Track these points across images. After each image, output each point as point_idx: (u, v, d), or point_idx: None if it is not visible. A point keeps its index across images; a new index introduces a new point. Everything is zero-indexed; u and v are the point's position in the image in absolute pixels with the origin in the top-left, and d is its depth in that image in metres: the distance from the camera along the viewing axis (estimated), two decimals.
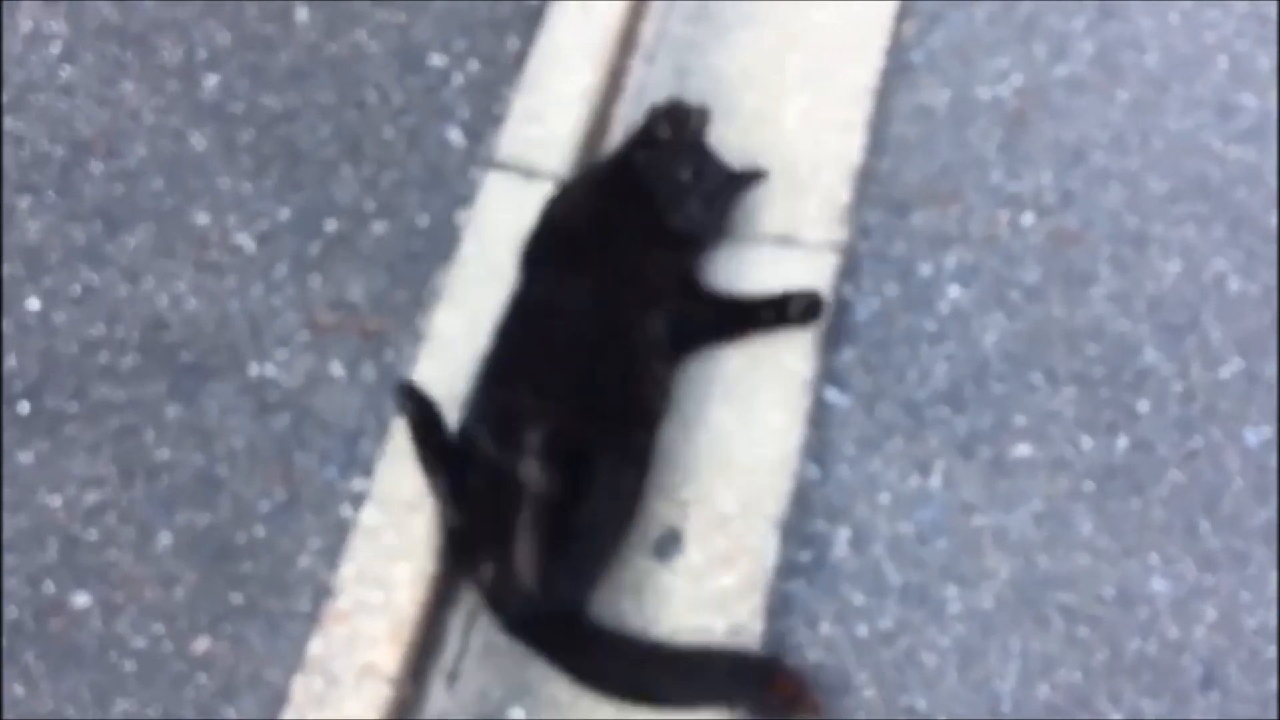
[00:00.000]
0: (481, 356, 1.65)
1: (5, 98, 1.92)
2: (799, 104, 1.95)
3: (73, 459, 1.66)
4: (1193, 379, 1.75)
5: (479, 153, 1.87)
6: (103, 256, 1.80)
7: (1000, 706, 1.56)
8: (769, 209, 1.81)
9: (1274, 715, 1.55)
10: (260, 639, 1.55)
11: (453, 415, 1.62)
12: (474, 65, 1.95)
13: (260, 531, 1.62)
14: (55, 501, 1.63)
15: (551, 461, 1.51)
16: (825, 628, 1.60)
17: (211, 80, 1.94)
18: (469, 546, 1.56)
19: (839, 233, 1.84)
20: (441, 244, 1.81)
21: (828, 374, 1.75)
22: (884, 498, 1.68)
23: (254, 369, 1.72)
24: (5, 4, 1.98)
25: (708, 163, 1.77)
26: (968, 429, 1.73)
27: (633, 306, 1.66)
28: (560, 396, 1.58)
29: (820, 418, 1.72)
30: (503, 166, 1.85)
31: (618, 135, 1.95)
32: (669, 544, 1.63)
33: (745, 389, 1.72)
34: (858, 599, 1.62)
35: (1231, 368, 1.76)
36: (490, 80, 1.93)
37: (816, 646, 1.58)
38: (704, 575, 1.61)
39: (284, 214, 1.83)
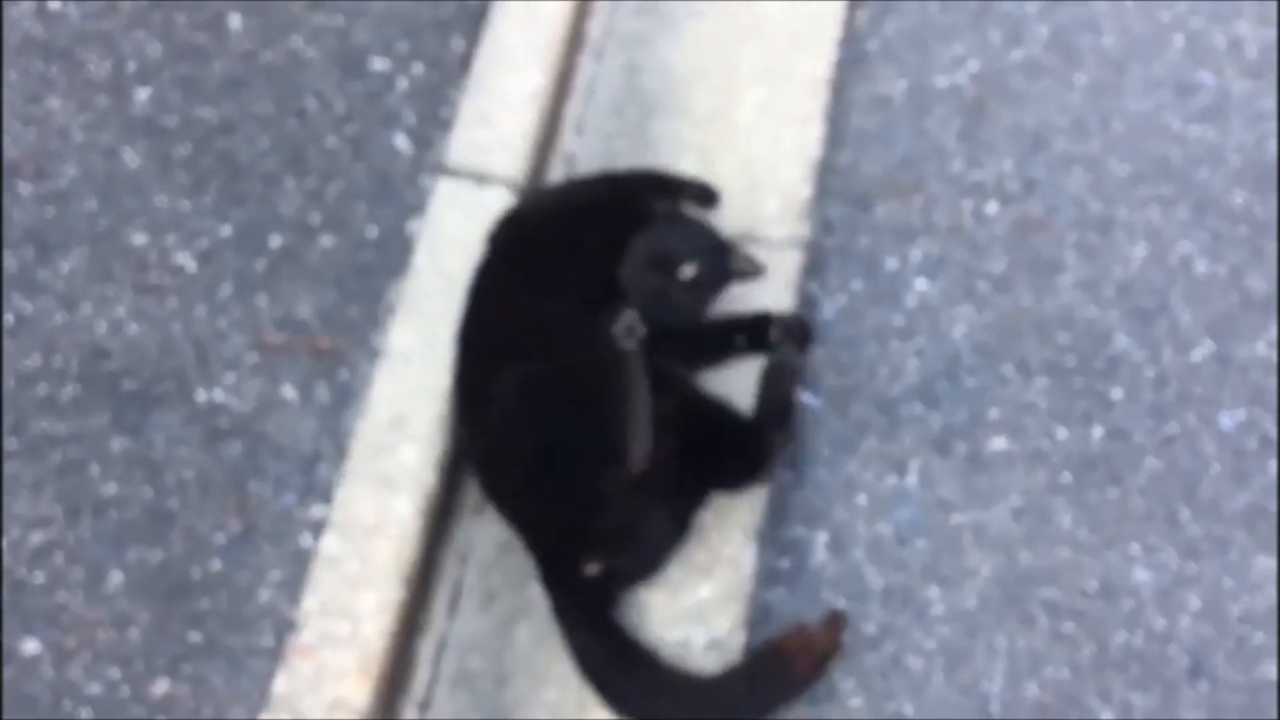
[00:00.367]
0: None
1: None
2: (754, 98, 1.91)
3: (14, 498, 1.58)
4: (1165, 364, 1.74)
5: (428, 159, 1.81)
6: (36, 283, 1.72)
7: (989, 708, 1.53)
8: (729, 207, 1.76)
9: (1263, 702, 1.53)
10: (222, 679, 1.49)
11: (420, 429, 1.58)
12: (418, 68, 1.88)
13: (216, 565, 1.55)
14: None
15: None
16: None
17: (143, 94, 1.86)
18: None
19: (801, 229, 1.81)
20: (393, 256, 1.75)
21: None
22: (861, 499, 1.65)
23: (201, 395, 1.65)
24: None
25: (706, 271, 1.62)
26: (942, 425, 1.70)
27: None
28: None
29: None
30: (453, 173, 1.79)
31: (569, 136, 1.90)
32: None
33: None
34: (839, 605, 1.59)
35: (1203, 350, 1.75)
36: (436, 83, 1.87)
37: None
38: (682, 587, 1.58)
39: (225, 231, 1.76)
